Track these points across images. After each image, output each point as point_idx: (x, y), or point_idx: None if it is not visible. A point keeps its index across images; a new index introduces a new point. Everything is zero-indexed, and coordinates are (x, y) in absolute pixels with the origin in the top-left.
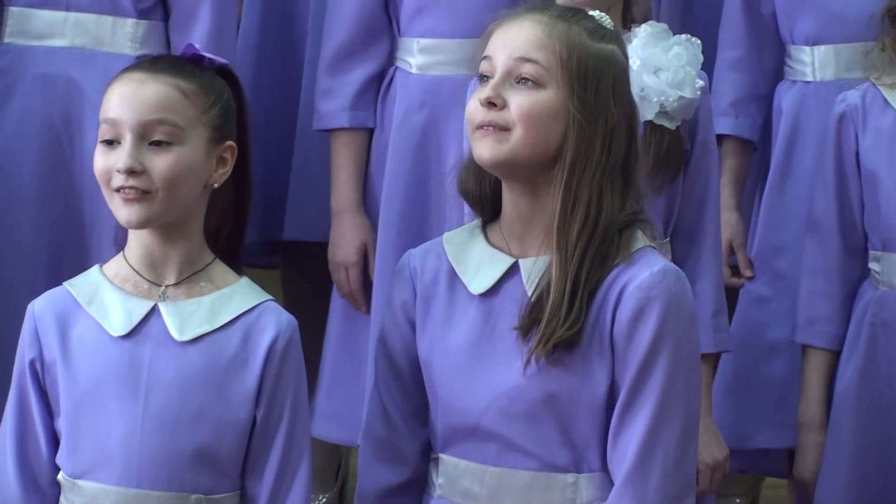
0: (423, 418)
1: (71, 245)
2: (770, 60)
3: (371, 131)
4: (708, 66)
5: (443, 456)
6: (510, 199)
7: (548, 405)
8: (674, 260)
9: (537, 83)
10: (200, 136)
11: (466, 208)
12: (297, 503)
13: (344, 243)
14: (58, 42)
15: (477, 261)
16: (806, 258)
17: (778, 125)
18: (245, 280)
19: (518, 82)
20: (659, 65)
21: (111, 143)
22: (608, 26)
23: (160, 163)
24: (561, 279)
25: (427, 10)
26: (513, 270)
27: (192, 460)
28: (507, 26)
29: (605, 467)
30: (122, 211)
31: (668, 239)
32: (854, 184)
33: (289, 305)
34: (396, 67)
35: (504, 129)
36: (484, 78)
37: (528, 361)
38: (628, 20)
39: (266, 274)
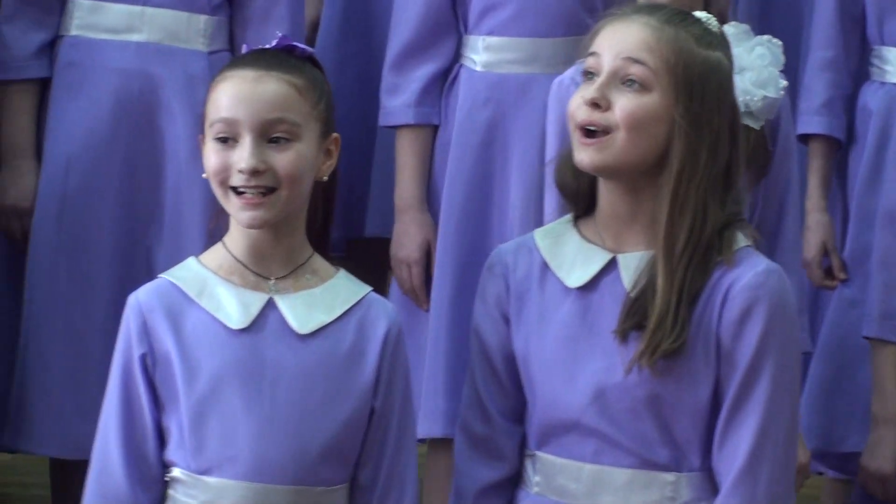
0: (518, 415)
1: (149, 233)
2: (854, 61)
3: (436, 128)
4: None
5: (539, 453)
6: (608, 196)
7: (650, 404)
8: None
9: (643, 86)
10: (313, 131)
11: (548, 207)
12: (410, 492)
13: (407, 240)
14: (133, 37)
15: (572, 255)
16: (882, 251)
17: (866, 126)
18: (343, 272)
19: (623, 83)
20: (742, 65)
21: (226, 140)
22: (715, 30)
23: (282, 160)
24: (667, 288)
25: (497, 6)
26: (610, 265)
27: (320, 453)
28: (615, 25)
29: (704, 467)
30: (244, 213)
31: None
32: None
33: None
34: (461, 65)
35: (606, 131)
36: (589, 74)
37: (630, 368)
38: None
39: None
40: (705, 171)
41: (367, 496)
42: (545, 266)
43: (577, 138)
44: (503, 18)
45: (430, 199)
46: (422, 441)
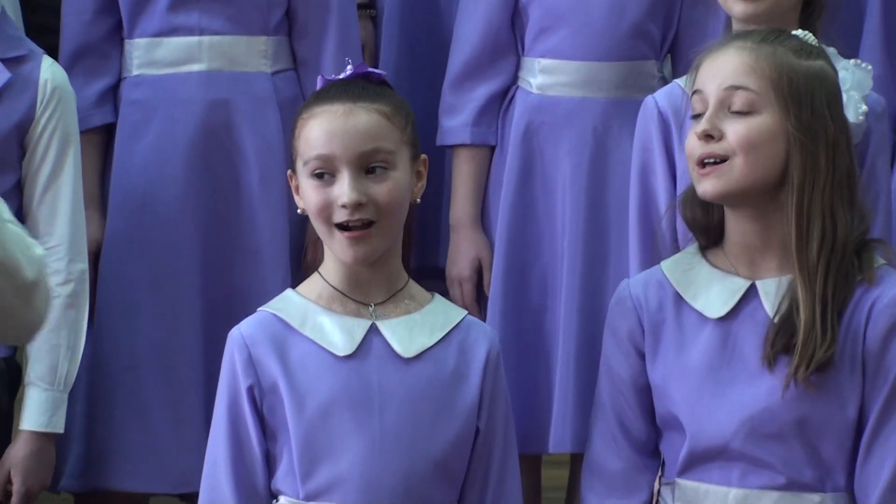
0: (652, 447)
1: (229, 261)
2: None
3: (492, 149)
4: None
5: (681, 480)
6: (737, 226)
7: (799, 426)
8: None
9: (752, 109)
10: (405, 156)
11: (634, 239)
12: None
13: (459, 258)
14: (195, 67)
15: (706, 285)
16: None
17: None
18: (438, 296)
19: (733, 112)
20: None
21: (322, 176)
22: (812, 43)
23: (381, 190)
24: (809, 299)
25: (551, 29)
26: (749, 293)
27: (428, 474)
28: (712, 58)
29: (849, 487)
30: (349, 251)
31: None
32: None
33: None
34: (518, 86)
35: (724, 159)
36: (697, 115)
37: (787, 385)
38: None
39: None
40: (827, 177)
41: None
42: (679, 297)
43: (696, 173)
44: (557, 42)
45: (484, 219)
46: None
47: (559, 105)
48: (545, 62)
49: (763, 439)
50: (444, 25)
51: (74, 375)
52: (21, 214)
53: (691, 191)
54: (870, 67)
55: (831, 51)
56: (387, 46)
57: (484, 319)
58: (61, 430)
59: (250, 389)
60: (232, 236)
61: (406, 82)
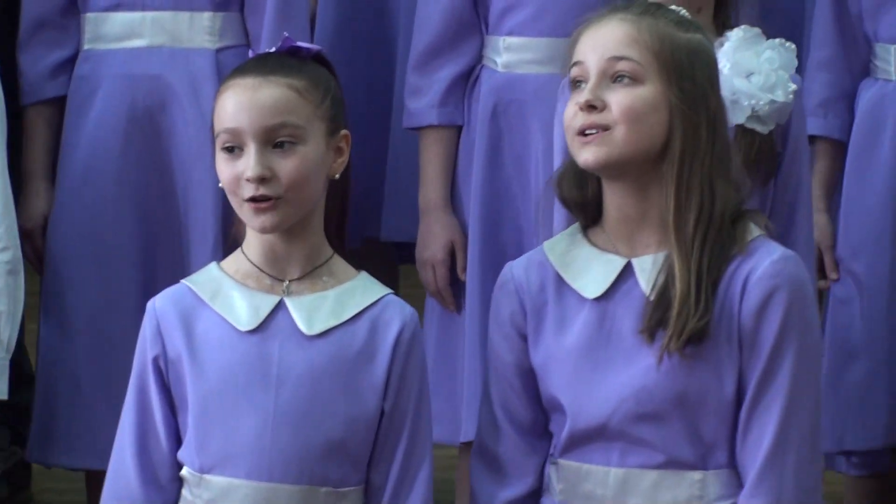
0: (540, 430)
1: (165, 237)
2: (856, 60)
3: (459, 129)
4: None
5: (562, 461)
6: (616, 200)
7: (677, 404)
8: None
9: (634, 79)
10: (319, 131)
11: (557, 217)
12: (421, 493)
13: (431, 241)
14: (136, 42)
15: (585, 265)
16: None
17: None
18: (364, 274)
19: (614, 81)
20: (750, 68)
21: (232, 150)
22: (686, 15)
23: (287, 165)
24: (685, 271)
25: (516, 7)
26: (626, 271)
27: (323, 453)
28: (593, 29)
29: (731, 464)
30: (255, 220)
31: None
32: None
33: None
34: (483, 65)
35: (606, 129)
36: (577, 83)
37: (661, 358)
38: (720, 24)
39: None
40: (707, 148)
41: (379, 497)
42: (559, 278)
43: (576, 142)
44: (522, 19)
45: (454, 199)
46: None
47: (527, 82)
48: (511, 40)
49: (641, 418)
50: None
51: (15, 340)
52: None
53: (565, 169)
54: (793, 47)
55: (755, 31)
56: (322, 19)
57: (460, 303)
58: (5, 396)
59: (156, 360)
60: (166, 211)
61: (343, 56)
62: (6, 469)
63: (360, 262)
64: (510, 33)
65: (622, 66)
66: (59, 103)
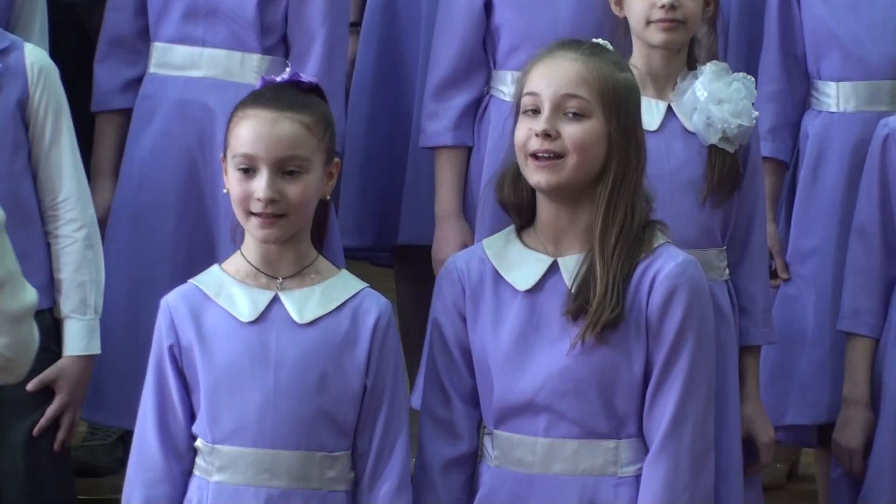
0: (474, 398)
1: (202, 246)
2: (800, 93)
3: (470, 149)
4: None
5: (497, 431)
6: (549, 210)
7: (593, 381)
8: (729, 264)
9: (583, 115)
10: (319, 161)
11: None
12: (399, 457)
13: (446, 244)
14: (194, 73)
15: (518, 262)
16: (850, 259)
17: (804, 148)
18: (344, 271)
19: (565, 114)
20: (721, 97)
21: (247, 171)
22: (618, 56)
23: (293, 191)
24: (604, 274)
25: (521, 47)
26: (552, 268)
27: (317, 423)
28: (547, 64)
29: (640, 433)
30: (259, 232)
31: (725, 247)
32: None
33: (400, 298)
34: (491, 95)
35: (559, 156)
36: (528, 111)
37: (575, 343)
38: (692, 59)
39: (377, 271)
40: (633, 174)
41: (364, 461)
42: (496, 272)
43: (530, 164)
44: (527, 57)
45: (466, 210)
46: None
47: None
48: (518, 74)
49: (563, 394)
50: (408, 49)
51: (101, 304)
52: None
53: (504, 173)
54: (753, 79)
55: (723, 66)
56: (362, 60)
57: None
58: (98, 352)
59: (171, 348)
60: (200, 219)
61: (374, 92)
62: (123, 433)
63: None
64: (517, 68)
65: (573, 103)
66: (126, 113)
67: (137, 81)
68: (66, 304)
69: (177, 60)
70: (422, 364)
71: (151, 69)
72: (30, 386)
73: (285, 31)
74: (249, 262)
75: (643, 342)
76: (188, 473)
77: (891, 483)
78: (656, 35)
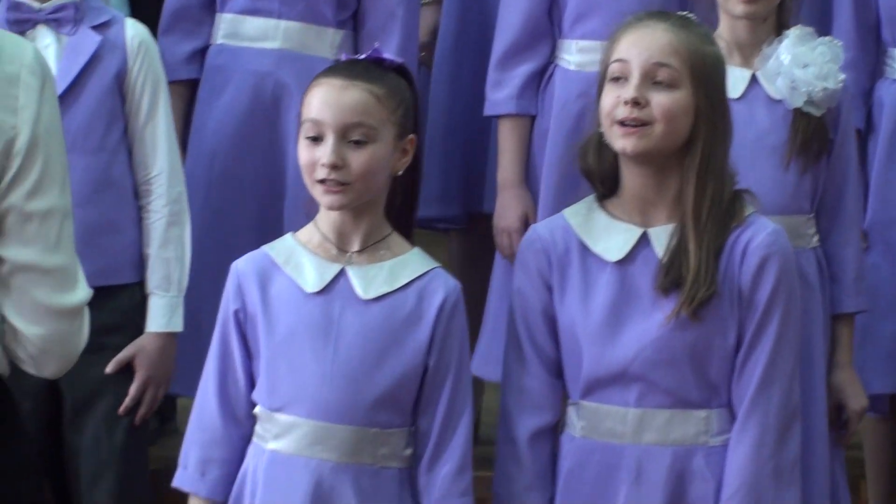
0: (558, 369)
1: (273, 209)
2: (873, 61)
3: (533, 118)
4: None
5: (584, 402)
6: (636, 180)
7: (687, 352)
8: (819, 232)
9: (671, 84)
10: (389, 133)
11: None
12: (461, 439)
13: (508, 212)
14: (268, 44)
15: (605, 232)
16: None
17: (880, 117)
18: (417, 249)
19: (654, 83)
20: (806, 60)
21: (315, 139)
22: (707, 28)
23: (358, 159)
24: (697, 247)
25: (587, 16)
26: (642, 239)
27: (373, 401)
28: (637, 32)
29: (731, 402)
30: (325, 198)
31: (813, 214)
32: None
33: (460, 263)
34: (556, 65)
35: (645, 124)
36: (617, 78)
37: (670, 318)
38: (781, 26)
39: (433, 238)
40: (722, 146)
41: (426, 441)
42: (581, 243)
43: (616, 130)
44: (593, 26)
45: (528, 178)
46: None
47: (594, 80)
48: (583, 43)
49: (657, 365)
50: (490, 17)
51: (186, 281)
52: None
53: (588, 143)
54: (840, 44)
55: (809, 29)
56: (446, 27)
57: None
58: (180, 329)
59: (236, 313)
60: (275, 188)
61: (457, 62)
62: None
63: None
64: (582, 37)
65: (663, 72)
66: (191, 84)
67: (201, 52)
68: (152, 280)
69: (249, 32)
70: (481, 332)
71: (220, 40)
72: (108, 368)
73: (357, 6)
74: (321, 233)
75: (735, 312)
76: (247, 438)
77: None
78: (738, 6)
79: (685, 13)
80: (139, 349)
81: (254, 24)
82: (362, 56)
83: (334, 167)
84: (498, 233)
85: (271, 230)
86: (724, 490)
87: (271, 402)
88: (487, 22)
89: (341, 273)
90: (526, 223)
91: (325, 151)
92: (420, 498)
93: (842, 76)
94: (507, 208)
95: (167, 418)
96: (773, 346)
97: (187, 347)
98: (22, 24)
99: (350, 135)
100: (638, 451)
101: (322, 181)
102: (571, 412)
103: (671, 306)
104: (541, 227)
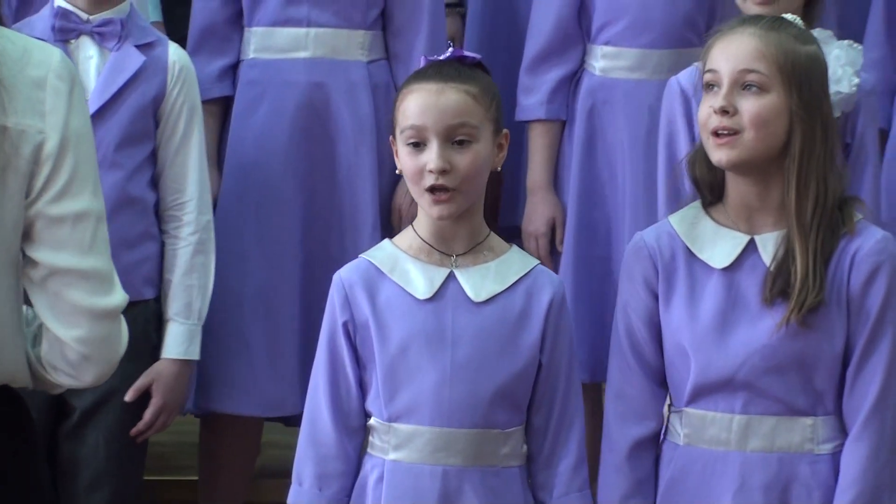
0: (661, 377)
1: (326, 219)
2: None
3: (563, 123)
4: None
5: (688, 409)
6: (740, 188)
7: (795, 360)
8: None
9: (761, 88)
10: (488, 130)
11: (662, 197)
12: (577, 433)
13: (536, 217)
14: (301, 54)
15: (711, 238)
16: None
17: None
18: (515, 247)
19: (744, 89)
20: None
21: (417, 145)
22: (803, 27)
23: (464, 160)
24: (803, 253)
25: (613, 21)
26: (749, 246)
27: (492, 401)
28: (726, 40)
29: (836, 411)
30: (434, 209)
31: None
32: None
33: None
34: (584, 69)
35: (736, 132)
36: (710, 87)
37: (780, 326)
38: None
39: None
40: (821, 149)
41: (542, 437)
42: (687, 249)
43: (711, 141)
44: (618, 31)
45: (556, 183)
46: None
47: (618, 86)
48: (607, 49)
49: (764, 372)
50: (519, 22)
51: (206, 310)
52: (155, 178)
53: (697, 153)
54: (860, 47)
55: (827, 33)
56: (470, 39)
57: (556, 269)
58: (197, 357)
59: (345, 325)
60: (328, 198)
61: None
62: None
63: None
64: (607, 43)
65: (751, 77)
66: (224, 102)
67: (231, 69)
68: (172, 307)
69: (280, 43)
70: None
71: (251, 54)
72: (127, 396)
73: (384, 3)
74: (422, 239)
75: (844, 320)
76: (358, 450)
77: None
78: (753, 8)
79: (786, 15)
80: (157, 375)
81: (284, 34)
82: (442, 57)
83: (442, 172)
84: (526, 237)
85: (328, 239)
86: (837, 498)
87: (390, 413)
88: (516, 28)
89: (449, 277)
90: (553, 227)
91: (431, 157)
92: (540, 494)
93: (856, 80)
94: (534, 212)
95: None
96: (889, 358)
97: (237, 368)
98: (67, 32)
99: (453, 136)
100: (742, 458)
101: (431, 190)
102: (675, 420)
103: (779, 313)
104: (647, 234)
